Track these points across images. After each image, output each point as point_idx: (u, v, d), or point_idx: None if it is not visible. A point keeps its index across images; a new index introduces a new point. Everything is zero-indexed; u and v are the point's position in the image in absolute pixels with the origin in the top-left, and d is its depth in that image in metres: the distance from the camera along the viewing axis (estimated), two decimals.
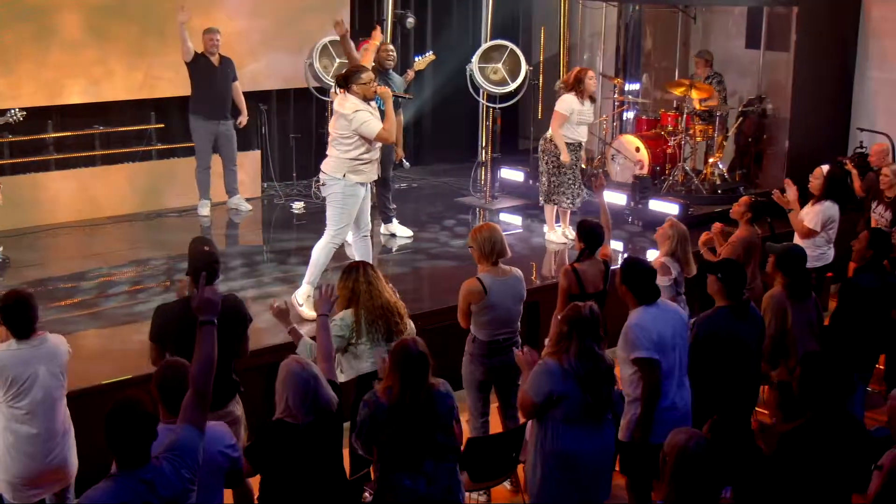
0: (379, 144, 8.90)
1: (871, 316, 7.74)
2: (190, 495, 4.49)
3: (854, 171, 11.14)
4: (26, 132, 11.72)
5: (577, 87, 10.90)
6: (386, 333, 6.71)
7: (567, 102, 10.89)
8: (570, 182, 11.04)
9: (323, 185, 8.97)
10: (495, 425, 7.64)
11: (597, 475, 5.97)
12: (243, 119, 12.50)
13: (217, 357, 4.68)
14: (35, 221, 11.63)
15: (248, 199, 12.94)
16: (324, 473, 5.48)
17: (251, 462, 5.37)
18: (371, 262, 8.54)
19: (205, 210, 12.37)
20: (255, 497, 5.73)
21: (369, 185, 9.14)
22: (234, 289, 8.93)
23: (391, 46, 11.47)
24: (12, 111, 10.27)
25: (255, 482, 5.69)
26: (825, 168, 9.68)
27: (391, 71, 11.22)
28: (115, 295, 9.63)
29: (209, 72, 12.02)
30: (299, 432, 5.33)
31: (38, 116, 11.61)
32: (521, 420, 6.84)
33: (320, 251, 8.94)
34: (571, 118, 10.85)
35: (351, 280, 6.78)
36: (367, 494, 6.37)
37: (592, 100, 11.13)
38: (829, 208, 9.37)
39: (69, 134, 12.33)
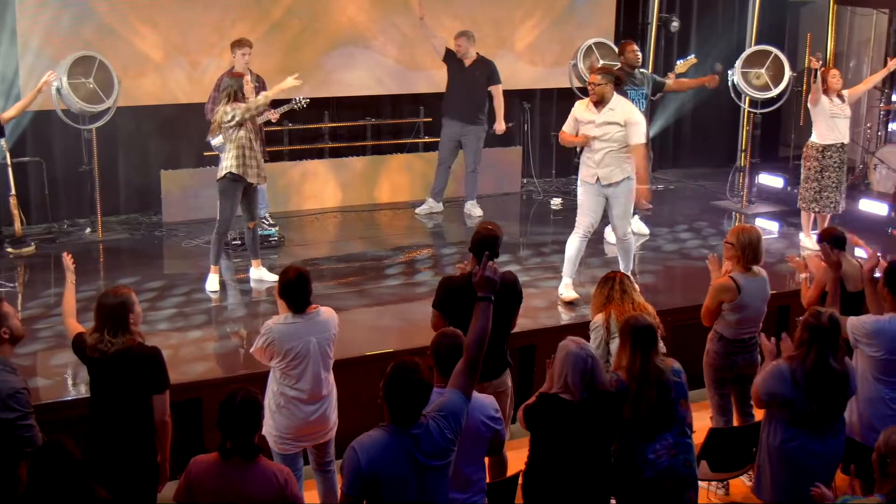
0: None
1: None
2: (450, 454, 4.90)
3: None
4: (304, 121, 12.51)
5: (822, 84, 11.01)
6: None
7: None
8: (834, 187, 11.06)
9: None
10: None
11: (819, 479, 5.88)
12: (499, 126, 12.50)
13: (491, 330, 5.09)
14: (305, 206, 12.47)
15: (506, 195, 13.45)
16: (590, 450, 5.81)
17: (527, 421, 5.77)
18: (630, 264, 8.88)
19: (427, 209, 12.66)
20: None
21: (613, 188, 9.32)
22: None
23: (636, 46, 11.62)
24: (297, 98, 10.90)
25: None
26: None
27: (636, 70, 11.44)
28: (380, 276, 10.25)
29: (458, 72, 12.20)
30: (573, 408, 5.69)
31: (316, 107, 12.24)
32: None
33: (568, 244, 9.43)
34: (823, 113, 11.02)
35: (607, 287, 7.12)
36: None
37: (841, 98, 11.15)
38: None
39: (343, 125, 13.09)
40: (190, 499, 5.07)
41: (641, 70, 11.61)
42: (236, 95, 9.31)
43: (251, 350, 6.59)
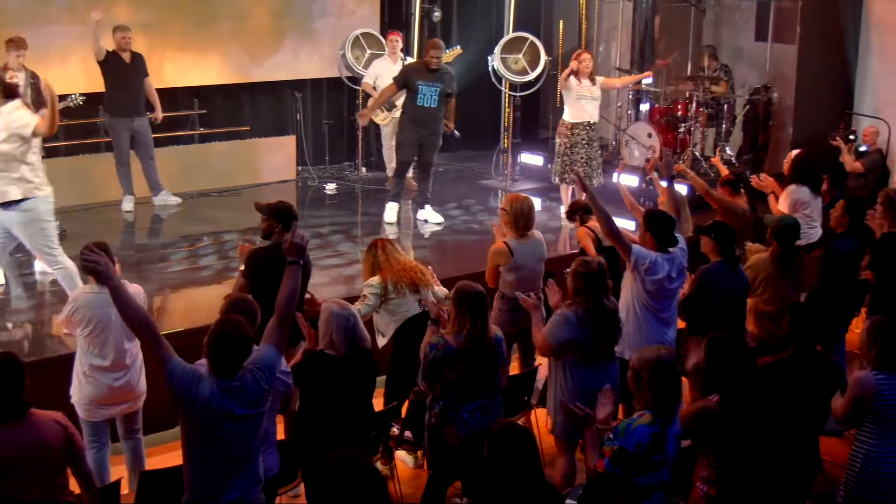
0: None
1: (849, 279, 8.46)
2: (265, 403, 5.29)
3: (844, 147, 11.97)
4: (80, 117, 12.42)
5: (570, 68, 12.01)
6: (412, 286, 7.60)
7: (570, 84, 12.03)
8: (583, 161, 11.96)
9: None
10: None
11: None
12: (158, 115, 12.37)
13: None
14: (85, 200, 12.35)
15: (283, 182, 13.88)
16: (355, 402, 6.39)
17: (295, 378, 6.22)
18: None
19: (129, 205, 12.30)
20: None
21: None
22: None
23: (438, 50, 11.81)
24: (73, 96, 11.03)
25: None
26: (794, 153, 10.31)
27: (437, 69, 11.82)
28: (164, 262, 10.54)
29: (121, 69, 11.97)
30: (338, 363, 6.26)
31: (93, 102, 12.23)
32: (538, 361, 7.79)
33: None
34: (573, 95, 11.96)
35: (371, 253, 7.75)
36: (395, 429, 7.23)
37: (592, 81, 12.09)
38: (796, 191, 9.83)
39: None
40: None
41: (444, 67, 11.99)
42: None
43: (58, 320, 6.89)
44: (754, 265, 8.03)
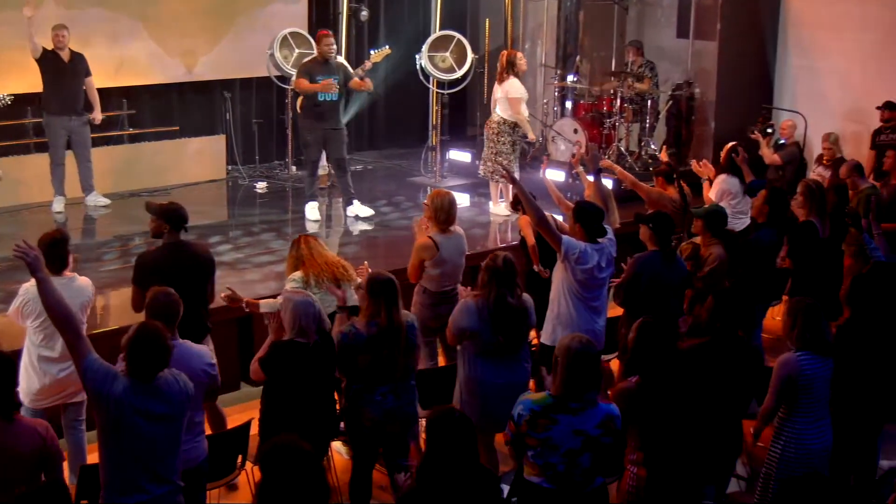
0: None
1: (767, 267, 8.71)
2: (186, 405, 5.42)
3: (762, 140, 12.32)
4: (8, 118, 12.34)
5: (511, 69, 12.09)
6: (334, 281, 7.70)
7: (517, 85, 12.11)
8: (509, 156, 12.19)
9: None
10: None
11: (505, 407, 6.13)
12: (97, 115, 12.34)
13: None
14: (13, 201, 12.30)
15: (214, 181, 13.94)
16: (324, 387, 6.60)
17: (265, 370, 6.43)
18: None
19: (59, 206, 12.21)
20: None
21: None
22: None
23: (332, 39, 12.06)
24: (1, 97, 11.06)
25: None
26: (729, 145, 10.58)
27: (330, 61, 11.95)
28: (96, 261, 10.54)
29: (59, 68, 11.92)
30: (310, 350, 6.41)
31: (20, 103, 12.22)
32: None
33: None
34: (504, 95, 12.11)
35: (295, 249, 7.87)
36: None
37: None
38: (725, 181, 10.13)
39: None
40: None
41: (338, 60, 12.25)
42: None
43: (8, 312, 6.98)
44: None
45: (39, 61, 11.84)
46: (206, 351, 6.26)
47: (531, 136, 12.44)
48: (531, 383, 7.54)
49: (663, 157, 11.31)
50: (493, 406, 6.83)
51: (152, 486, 5.24)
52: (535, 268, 8.46)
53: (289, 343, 6.44)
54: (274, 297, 7.71)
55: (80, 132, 12.20)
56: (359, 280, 7.91)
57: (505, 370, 6.94)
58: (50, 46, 11.83)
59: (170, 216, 7.43)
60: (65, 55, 11.93)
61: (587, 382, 5.48)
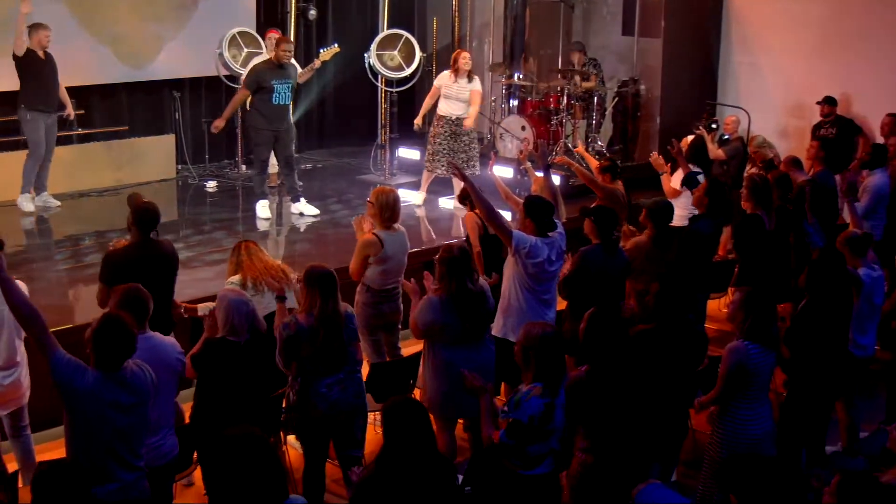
0: None
1: (704, 257, 8.86)
2: (149, 395, 5.50)
3: (706, 135, 12.51)
4: None
5: (452, 65, 12.50)
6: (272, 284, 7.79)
7: (440, 77, 12.58)
8: (443, 152, 12.48)
9: None
10: None
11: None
12: (70, 112, 12.56)
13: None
14: None
15: (163, 180, 13.97)
16: (256, 385, 6.67)
17: (196, 366, 6.49)
18: None
19: (29, 205, 12.25)
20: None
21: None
22: None
23: (289, 45, 12.19)
24: None
25: None
26: (689, 138, 10.84)
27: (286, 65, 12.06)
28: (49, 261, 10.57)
29: (39, 66, 12.03)
30: (241, 348, 6.51)
31: None
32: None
33: None
34: (442, 92, 12.47)
35: (235, 254, 7.96)
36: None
37: (470, 79, 12.52)
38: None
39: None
40: None
41: (292, 63, 12.32)
42: None
43: None
44: (633, 248, 8.42)
45: (21, 59, 11.92)
46: (175, 342, 6.35)
47: (416, 121, 13.16)
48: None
49: (580, 150, 11.47)
50: (461, 393, 6.83)
51: (123, 473, 5.34)
52: (482, 278, 8.40)
53: (220, 341, 6.56)
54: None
55: (53, 131, 12.34)
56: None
57: (473, 354, 7.05)
58: (31, 46, 11.91)
59: (139, 217, 7.55)
60: (42, 54, 12.02)
61: (562, 368, 5.79)
